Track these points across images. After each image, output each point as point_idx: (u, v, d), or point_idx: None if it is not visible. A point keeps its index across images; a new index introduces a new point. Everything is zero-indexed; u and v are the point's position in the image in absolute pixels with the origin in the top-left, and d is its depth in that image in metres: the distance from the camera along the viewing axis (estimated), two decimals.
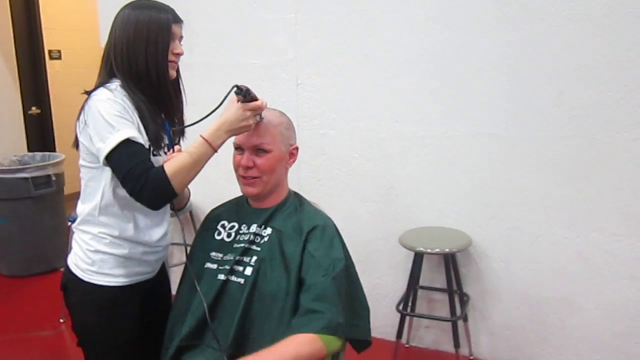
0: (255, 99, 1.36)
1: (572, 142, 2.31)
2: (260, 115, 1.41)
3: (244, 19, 2.85)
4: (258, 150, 1.43)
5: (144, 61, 1.37)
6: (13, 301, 3.51)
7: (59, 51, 5.06)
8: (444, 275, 2.45)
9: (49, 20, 4.65)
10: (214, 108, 1.38)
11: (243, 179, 1.46)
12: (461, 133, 2.50)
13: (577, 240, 2.38)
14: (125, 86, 1.38)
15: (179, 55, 1.44)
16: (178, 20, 1.43)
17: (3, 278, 3.82)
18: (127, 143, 1.30)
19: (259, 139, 1.42)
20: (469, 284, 2.63)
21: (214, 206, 1.64)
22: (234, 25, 2.88)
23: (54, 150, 4.50)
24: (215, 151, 1.37)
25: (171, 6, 1.46)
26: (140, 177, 1.28)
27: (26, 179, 3.64)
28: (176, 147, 1.46)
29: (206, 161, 1.37)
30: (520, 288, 2.52)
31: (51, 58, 4.91)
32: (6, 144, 4.27)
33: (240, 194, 1.53)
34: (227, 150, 1.49)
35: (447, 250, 2.36)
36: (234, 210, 1.56)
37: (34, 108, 4.52)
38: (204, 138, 1.35)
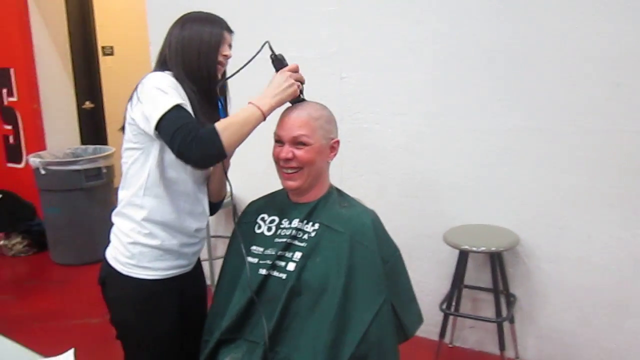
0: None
1: (627, 136, 2.20)
2: (302, 86, 1.47)
3: (287, 11, 2.85)
4: (297, 143, 1.42)
5: (196, 56, 1.44)
6: (64, 289, 3.65)
7: (112, 47, 5.19)
8: (489, 275, 2.39)
9: (102, 17, 4.79)
10: (247, 61, 1.46)
11: (284, 174, 1.46)
12: (509, 127, 2.42)
13: (631, 240, 2.26)
14: (178, 77, 1.44)
15: (226, 57, 1.50)
16: (229, 30, 1.52)
17: (56, 266, 3.98)
18: (179, 108, 1.34)
19: (298, 132, 1.41)
20: (515, 284, 2.55)
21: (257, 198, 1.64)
22: (277, 18, 2.88)
23: (106, 144, 4.64)
24: (264, 116, 1.38)
25: None
26: (191, 132, 1.30)
27: (78, 171, 3.78)
28: None
29: (255, 124, 1.38)
30: (570, 290, 2.42)
31: (104, 54, 5.05)
32: (61, 137, 4.45)
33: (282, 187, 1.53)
34: (270, 143, 1.49)
35: (493, 248, 2.29)
36: (274, 203, 1.56)
37: (87, 102, 4.68)
38: (251, 102, 1.39)
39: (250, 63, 1.45)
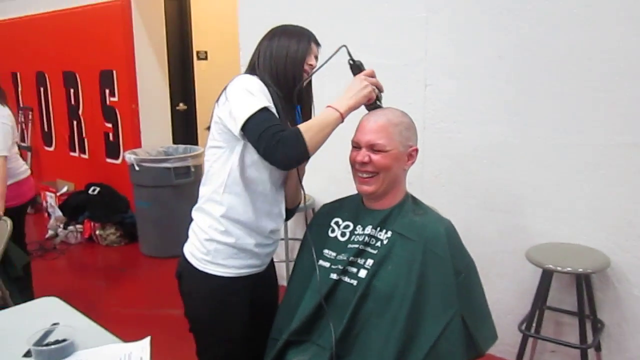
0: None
1: None
2: (380, 93, 1.48)
3: (374, 17, 2.84)
4: (374, 149, 1.42)
5: (283, 63, 1.49)
6: (149, 279, 3.86)
7: (206, 52, 5.42)
8: (574, 297, 2.25)
9: (198, 24, 5.02)
10: (323, 63, 1.50)
11: (359, 178, 1.46)
12: (603, 142, 2.27)
13: None
14: (264, 81, 1.48)
15: (311, 67, 1.54)
16: (317, 43, 1.56)
17: (144, 257, 4.22)
18: (265, 110, 1.39)
19: (376, 137, 1.41)
20: (604, 310, 2.38)
21: None
22: (363, 24, 2.89)
23: (196, 144, 4.85)
24: (342, 117, 1.41)
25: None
26: (276, 134, 1.36)
27: (169, 168, 3.98)
28: None
29: (334, 125, 1.41)
30: None
31: (198, 58, 5.28)
32: (154, 136, 4.71)
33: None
34: (350, 148, 1.49)
35: (580, 270, 2.16)
36: (348, 208, 1.56)
37: (181, 104, 4.92)
38: (329, 105, 1.43)
39: (332, 70, 1.46)
